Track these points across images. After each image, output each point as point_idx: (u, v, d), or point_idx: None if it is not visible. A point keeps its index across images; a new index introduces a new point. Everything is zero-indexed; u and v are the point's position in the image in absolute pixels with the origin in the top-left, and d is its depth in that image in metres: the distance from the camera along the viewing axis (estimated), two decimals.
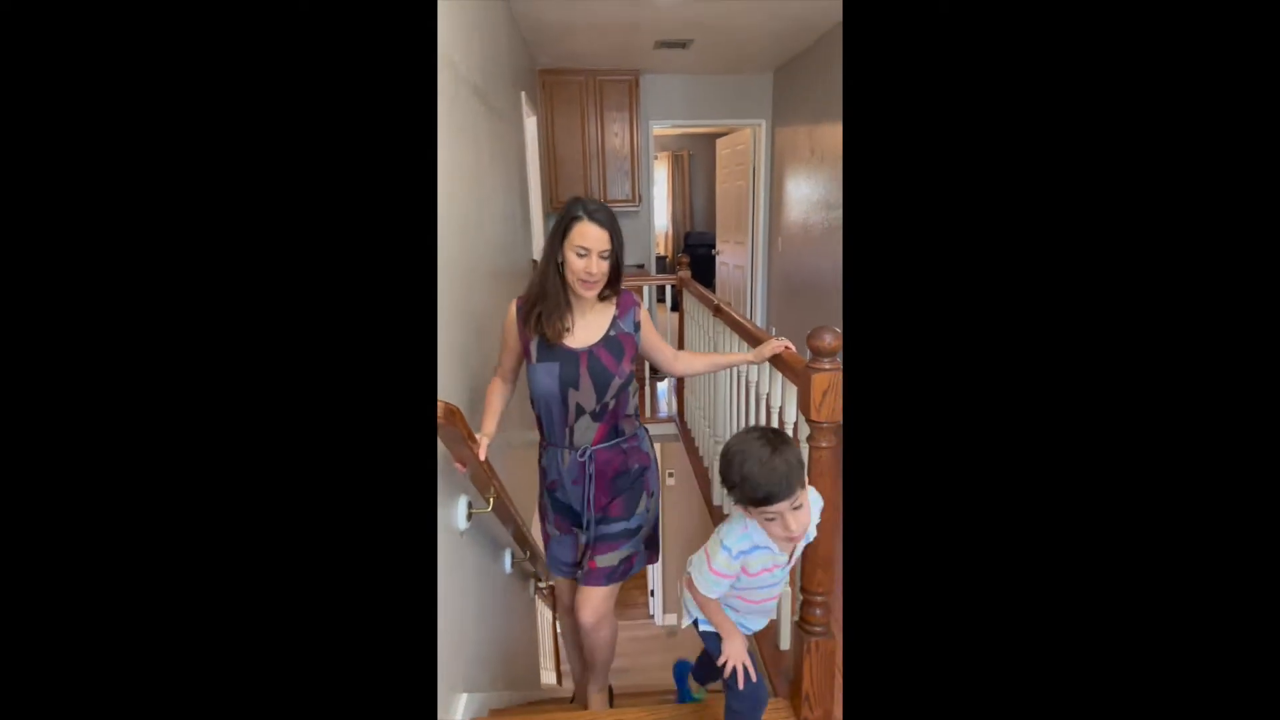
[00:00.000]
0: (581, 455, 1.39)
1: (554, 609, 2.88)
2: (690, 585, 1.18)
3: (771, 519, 0.99)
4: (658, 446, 1.91)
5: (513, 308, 1.40)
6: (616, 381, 1.36)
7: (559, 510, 1.48)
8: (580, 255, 1.29)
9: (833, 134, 3.43)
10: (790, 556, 1.12)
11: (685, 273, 3.13)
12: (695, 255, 6.55)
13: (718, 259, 5.65)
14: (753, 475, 0.95)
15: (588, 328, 1.37)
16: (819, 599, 1.37)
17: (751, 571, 1.10)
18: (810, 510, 0.98)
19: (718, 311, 2.17)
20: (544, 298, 1.33)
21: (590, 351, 1.35)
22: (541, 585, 2.73)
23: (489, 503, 1.56)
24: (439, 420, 1.13)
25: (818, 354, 1.24)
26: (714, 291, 5.74)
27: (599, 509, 1.44)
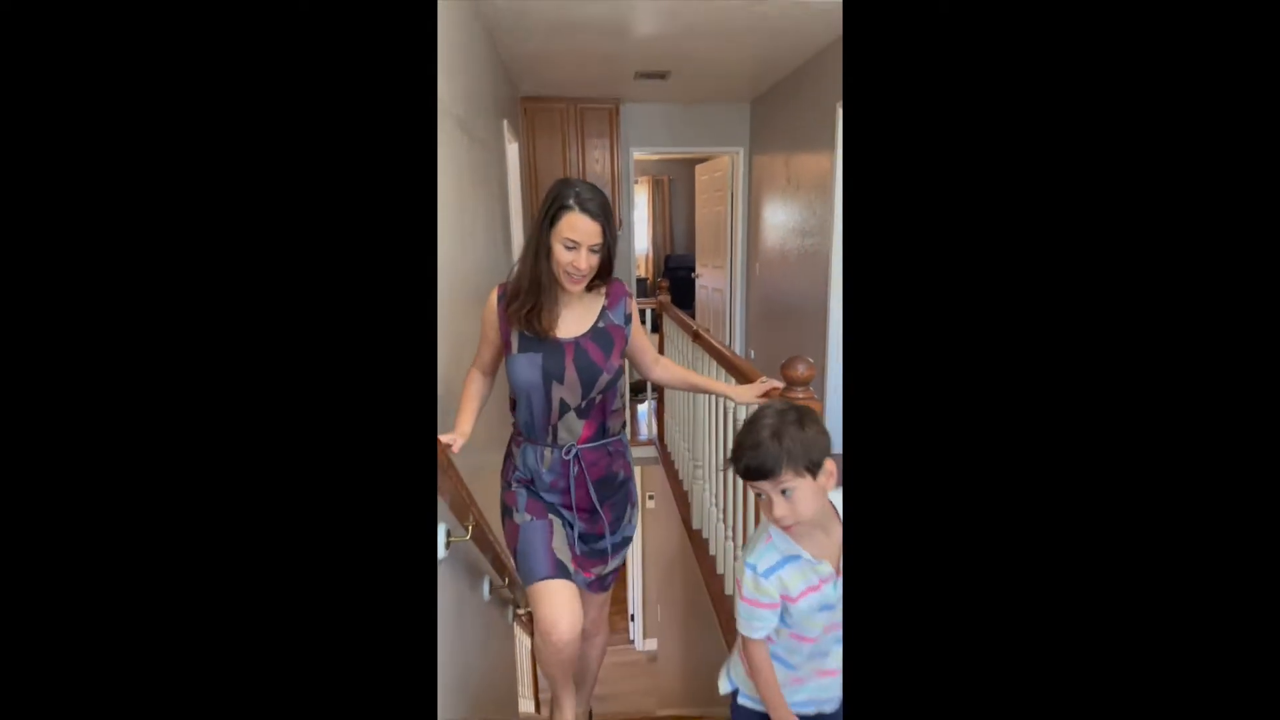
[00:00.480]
0: (567, 453, 1.29)
1: (532, 635, 2.84)
2: (743, 647, 0.99)
3: (760, 496, 0.89)
4: (638, 470, 1.92)
5: (494, 296, 1.29)
6: (604, 377, 1.25)
7: (535, 498, 1.33)
8: (568, 248, 1.16)
9: (809, 163, 3.53)
10: (837, 569, 0.92)
11: (665, 297, 3.17)
12: (675, 278, 6.62)
13: (697, 282, 5.72)
14: (741, 442, 0.87)
15: (574, 318, 1.26)
16: None
17: (794, 595, 0.93)
18: (805, 500, 0.84)
19: (696, 338, 2.20)
20: (535, 291, 1.20)
21: (577, 343, 1.24)
22: (520, 611, 2.70)
23: (468, 530, 1.56)
24: None
25: (792, 383, 1.27)
26: (694, 314, 5.80)
27: (585, 519, 1.33)
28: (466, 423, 1.30)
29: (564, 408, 1.26)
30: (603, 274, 1.24)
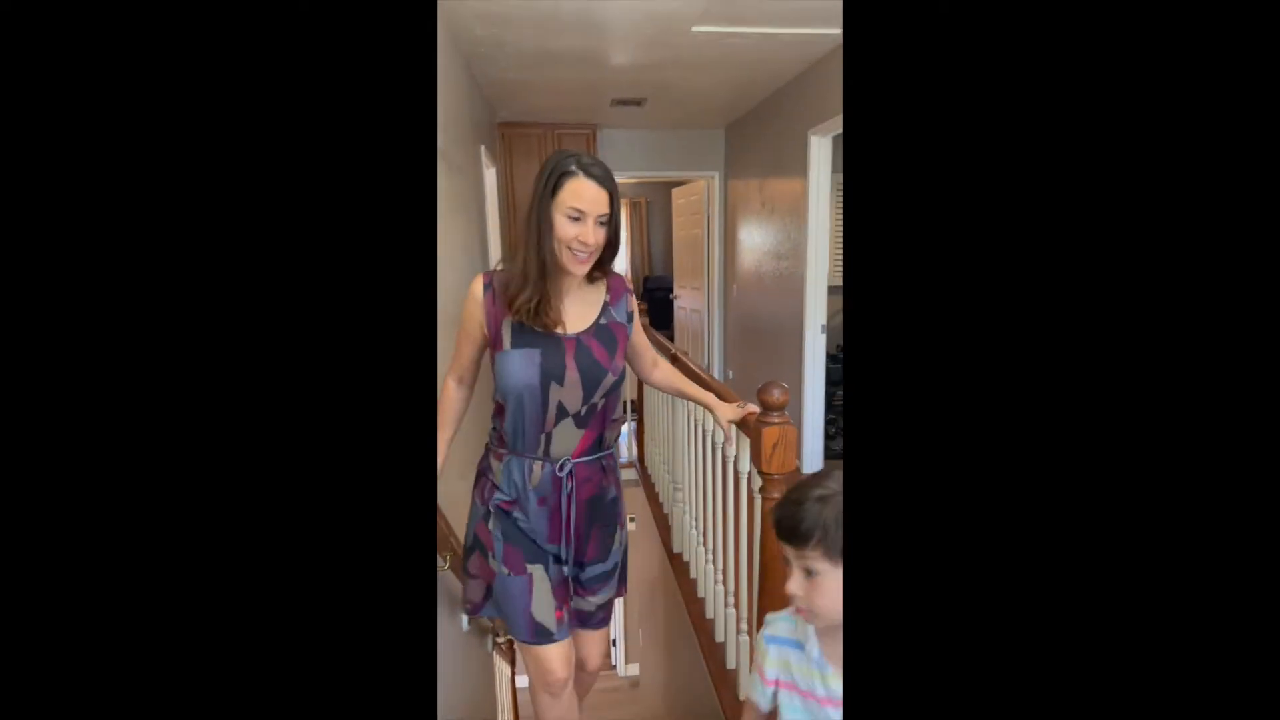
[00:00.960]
0: (560, 469, 1.11)
1: (512, 664, 2.80)
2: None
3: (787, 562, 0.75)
4: None
5: (477, 285, 1.12)
6: (609, 379, 1.11)
7: (514, 540, 1.13)
8: (573, 219, 1.01)
9: (782, 188, 3.60)
10: (826, 682, 0.75)
11: (643, 320, 3.20)
12: (654, 299, 6.66)
13: (676, 303, 5.77)
14: (788, 494, 0.76)
15: (577, 312, 1.12)
16: None
17: (800, 686, 0.79)
18: (828, 592, 0.69)
19: (675, 360, 2.23)
20: (540, 276, 1.04)
21: (579, 340, 1.10)
22: (499, 639, 2.66)
23: (445, 561, 1.54)
24: None
25: (767, 408, 1.29)
26: (672, 335, 5.84)
27: (576, 545, 1.17)
28: (443, 445, 1.18)
29: (561, 413, 1.09)
30: (604, 261, 1.10)
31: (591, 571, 1.22)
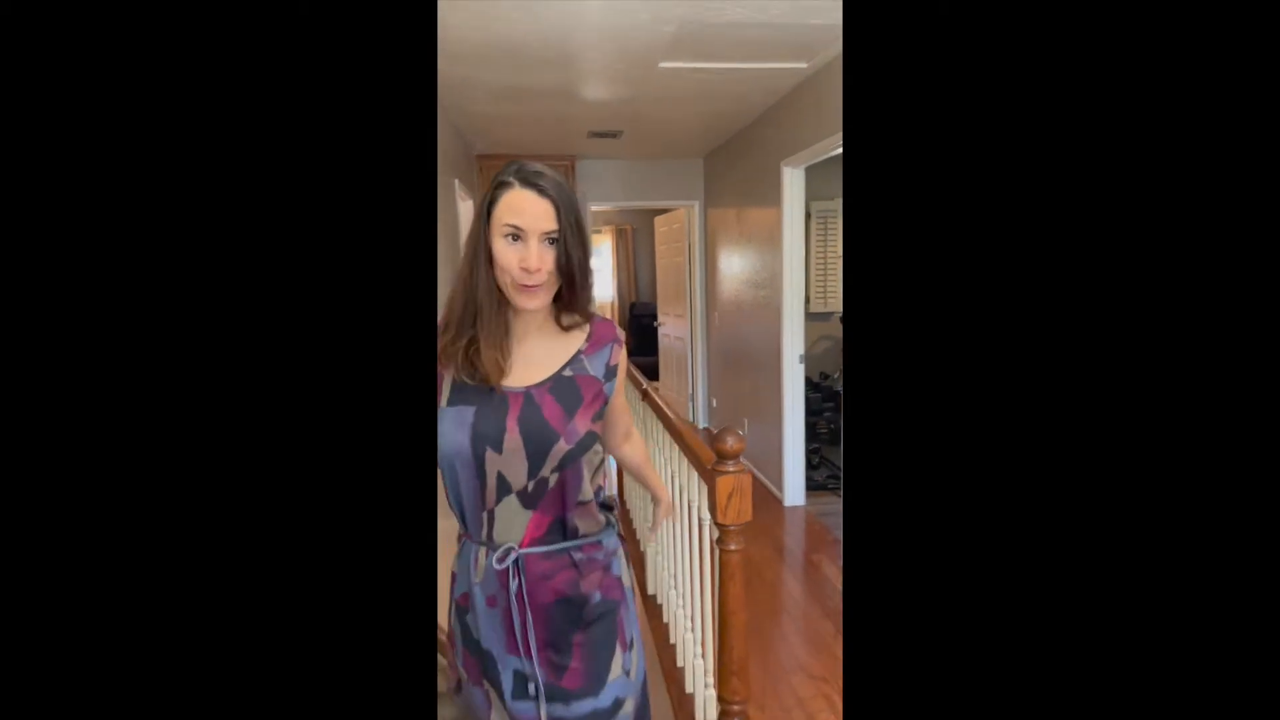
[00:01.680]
0: (501, 559, 0.88)
1: None
2: None
3: None
4: None
5: None
6: (560, 446, 0.86)
7: (469, 645, 0.93)
8: (512, 239, 0.82)
9: (758, 217, 3.61)
10: None
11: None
12: (640, 325, 6.65)
13: (660, 330, 5.75)
14: None
15: (534, 361, 0.90)
16: (735, 708, 1.34)
17: None
18: None
19: (645, 396, 2.19)
20: (475, 313, 0.85)
21: (528, 395, 0.87)
22: None
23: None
24: None
25: (722, 456, 1.26)
26: (657, 361, 5.81)
27: (543, 663, 0.90)
28: None
29: (502, 488, 0.87)
30: (574, 298, 0.88)
31: (579, 709, 0.90)
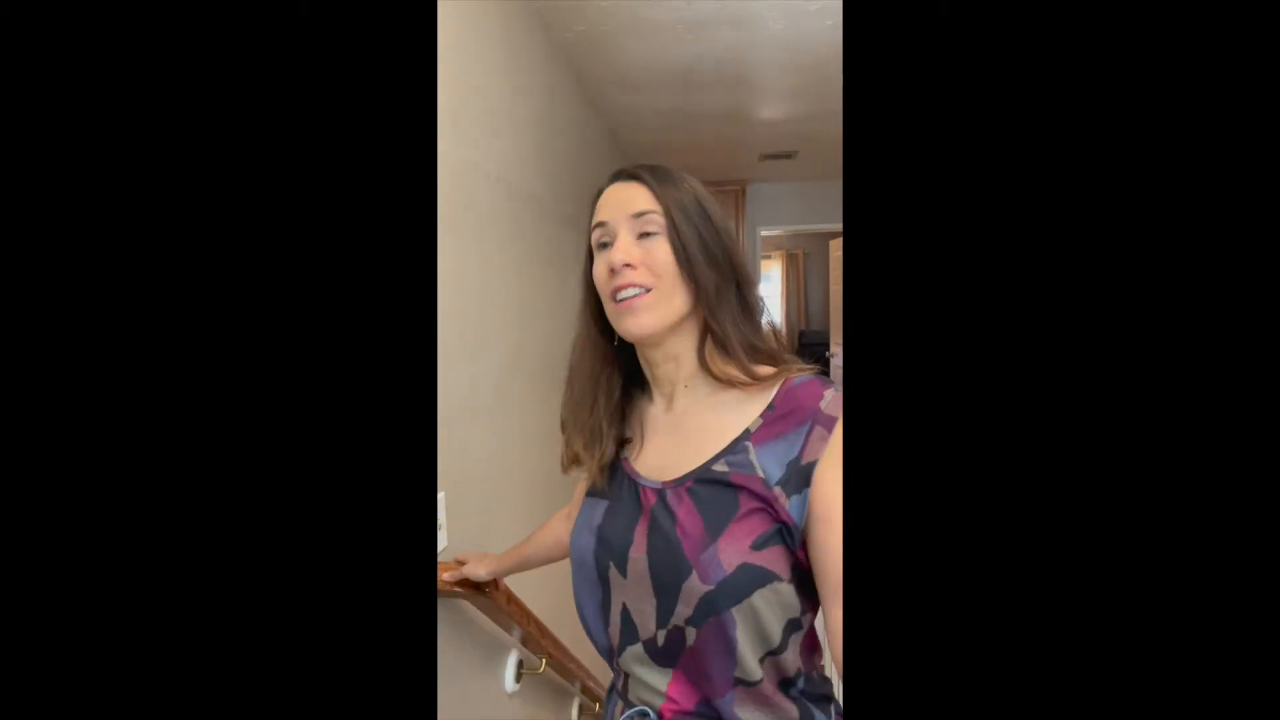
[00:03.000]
0: None
1: None
2: None
3: None
4: None
5: None
6: (693, 584, 0.54)
7: None
8: (602, 245, 0.60)
9: None
10: None
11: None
12: (811, 355, 6.28)
13: (832, 361, 5.35)
14: None
15: (681, 437, 0.61)
16: None
17: None
18: None
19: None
20: (593, 365, 0.64)
21: (662, 495, 0.59)
22: None
23: (541, 663, 1.41)
24: (447, 585, 0.98)
25: None
26: None
27: None
28: (494, 563, 0.91)
29: (627, 630, 0.60)
30: (731, 337, 0.58)
31: None
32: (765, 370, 0.60)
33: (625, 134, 3.09)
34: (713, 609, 0.54)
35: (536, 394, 1.69)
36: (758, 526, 0.55)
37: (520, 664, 1.43)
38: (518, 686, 1.42)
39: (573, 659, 1.54)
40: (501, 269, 1.50)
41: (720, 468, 0.57)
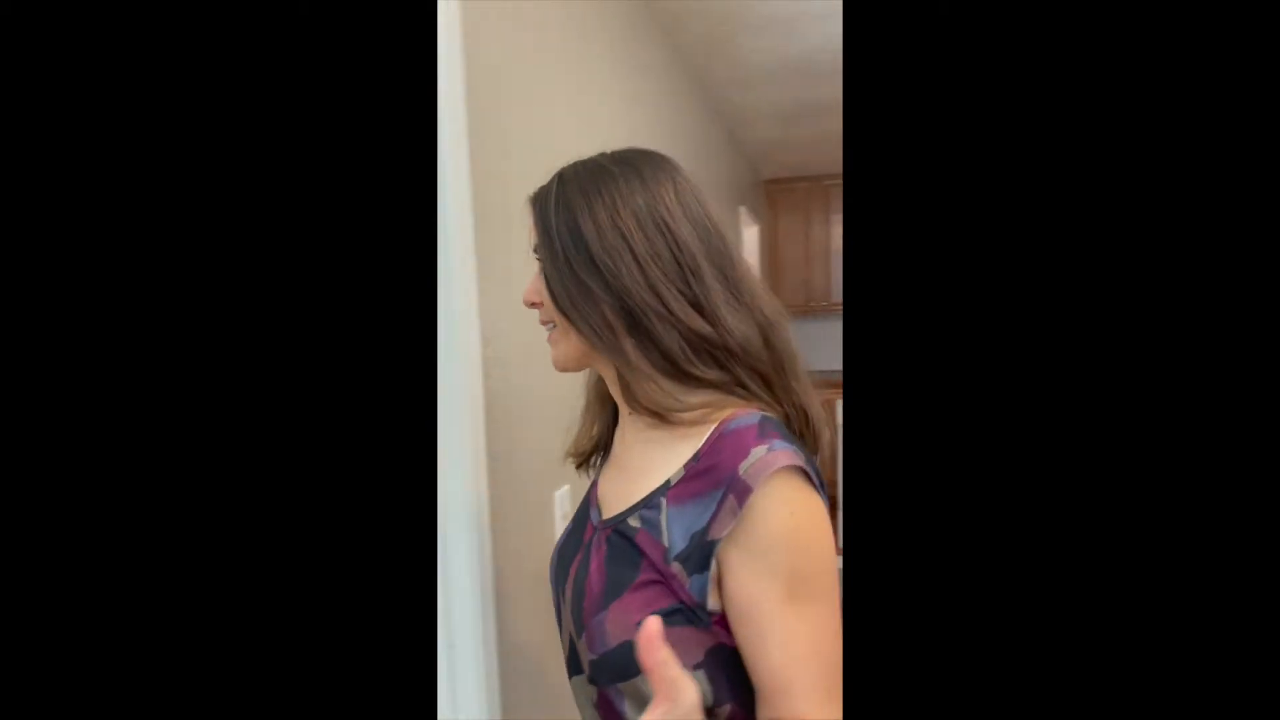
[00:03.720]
0: None
1: None
2: None
3: None
4: None
5: None
6: (583, 646, 0.51)
7: None
8: None
9: None
10: None
11: None
12: None
13: None
14: None
15: (623, 474, 0.56)
16: None
17: None
18: None
19: None
20: (585, 392, 0.64)
21: (599, 535, 0.54)
22: None
23: None
24: None
25: None
26: None
27: None
28: None
29: (573, 656, 0.55)
30: (632, 375, 0.50)
31: None
32: (700, 402, 0.49)
33: (743, 132, 3.08)
34: (596, 680, 0.49)
35: None
36: (654, 601, 0.46)
37: None
38: None
39: None
40: None
41: (634, 521, 0.49)
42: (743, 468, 0.45)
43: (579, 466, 0.63)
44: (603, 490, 0.57)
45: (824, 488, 0.49)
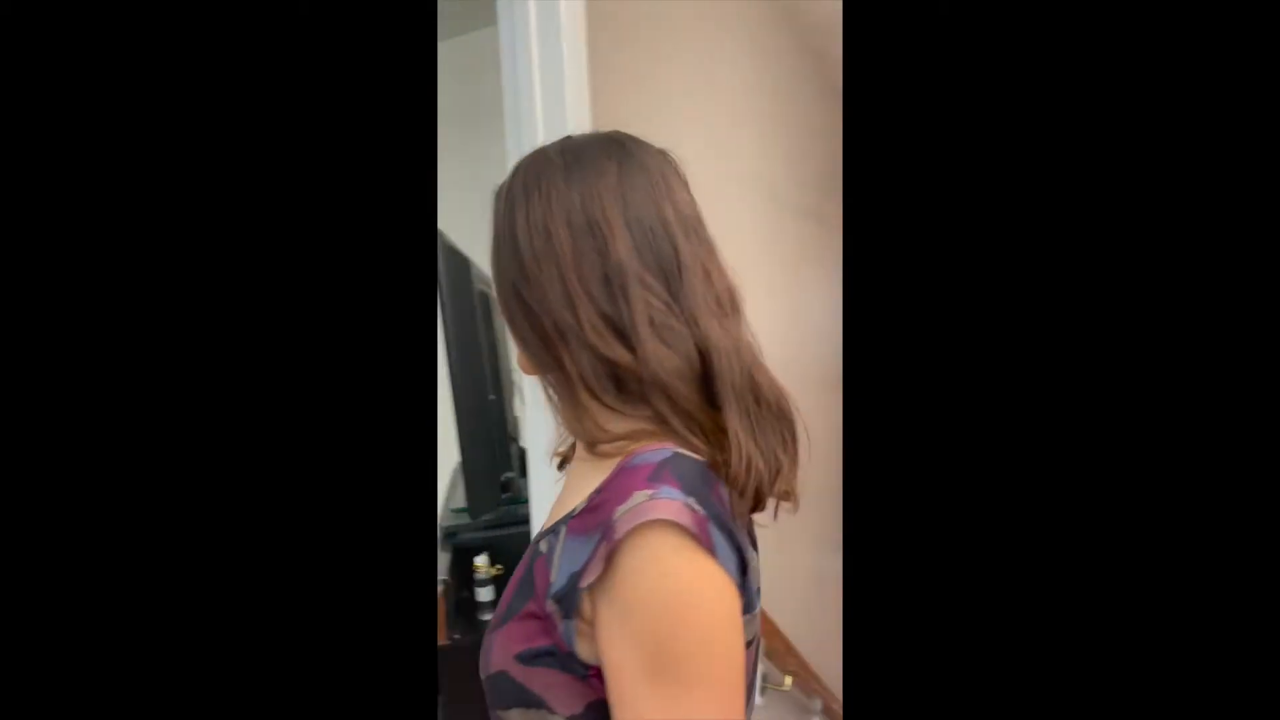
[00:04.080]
0: None
1: None
2: None
3: None
4: None
5: None
6: (485, 653, 0.46)
7: None
8: None
9: None
10: None
11: None
12: None
13: None
14: None
15: (566, 491, 0.52)
16: None
17: None
18: None
19: None
20: None
21: (534, 545, 0.48)
22: None
23: (787, 680, 1.36)
24: None
25: None
26: None
27: None
28: None
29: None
30: (561, 394, 0.47)
31: None
32: (624, 432, 0.43)
33: None
34: (492, 698, 0.45)
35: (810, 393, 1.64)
36: (533, 637, 0.41)
37: (764, 677, 1.40)
38: (762, 700, 1.39)
39: (816, 679, 1.47)
40: (755, 264, 1.48)
41: (543, 545, 0.44)
42: (618, 512, 0.38)
43: (560, 468, 0.56)
44: (557, 499, 0.52)
45: (740, 553, 0.40)
